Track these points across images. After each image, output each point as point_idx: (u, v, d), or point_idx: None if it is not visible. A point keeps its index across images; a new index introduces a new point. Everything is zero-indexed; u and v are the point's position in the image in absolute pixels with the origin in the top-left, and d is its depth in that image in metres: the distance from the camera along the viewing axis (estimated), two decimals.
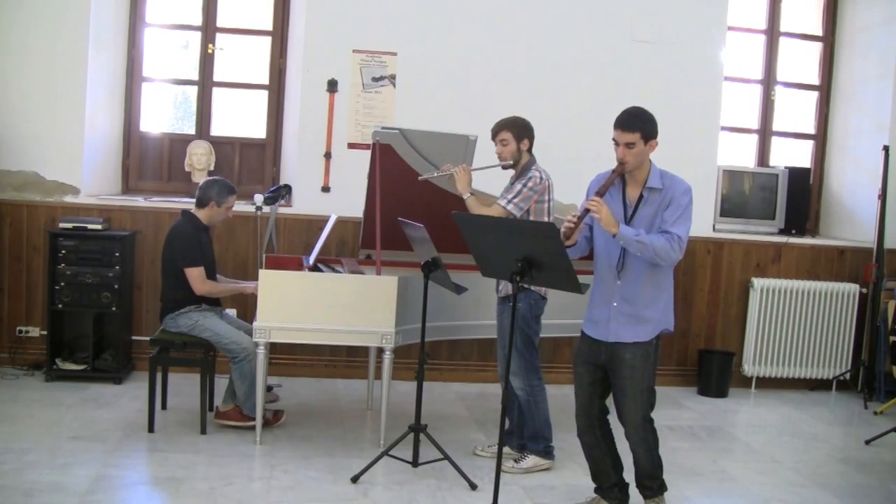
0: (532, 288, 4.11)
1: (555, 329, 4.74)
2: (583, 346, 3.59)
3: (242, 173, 6.07)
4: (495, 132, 4.26)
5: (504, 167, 4.28)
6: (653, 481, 3.61)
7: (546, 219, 4.14)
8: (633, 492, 3.70)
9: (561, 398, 5.00)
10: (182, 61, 6.16)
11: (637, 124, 3.34)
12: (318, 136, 5.70)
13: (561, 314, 4.59)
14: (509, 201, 4.11)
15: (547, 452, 4.29)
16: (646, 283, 3.41)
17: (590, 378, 3.56)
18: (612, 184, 3.40)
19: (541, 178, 4.15)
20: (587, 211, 3.30)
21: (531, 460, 4.26)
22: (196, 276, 4.49)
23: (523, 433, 4.40)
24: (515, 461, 4.26)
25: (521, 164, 4.24)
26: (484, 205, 4.20)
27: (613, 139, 3.38)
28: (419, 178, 4.35)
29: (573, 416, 4.29)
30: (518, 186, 4.14)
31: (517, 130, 4.22)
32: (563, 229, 3.29)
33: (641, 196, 3.42)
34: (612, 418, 3.63)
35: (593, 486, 3.76)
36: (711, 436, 5.12)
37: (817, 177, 6.75)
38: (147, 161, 6.00)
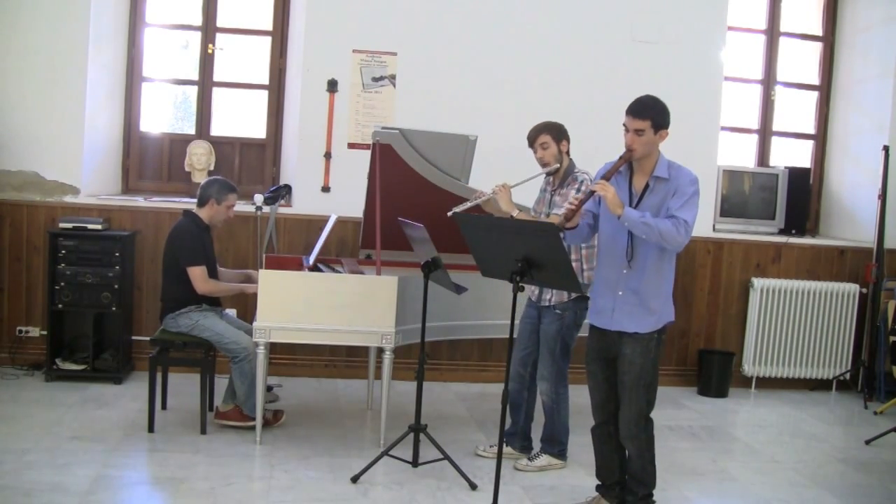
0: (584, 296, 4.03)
1: None
2: (592, 342, 3.56)
3: (242, 173, 6.07)
4: (533, 137, 4.14)
5: (549, 173, 4.17)
6: (640, 488, 3.54)
7: None
8: None
9: None
10: (182, 61, 6.15)
11: (647, 112, 3.32)
12: (318, 136, 5.70)
13: None
14: None
15: (560, 454, 4.29)
16: (652, 273, 3.38)
17: (604, 374, 3.53)
18: (618, 169, 3.38)
19: (591, 180, 4.01)
20: (591, 193, 3.29)
21: (545, 459, 4.26)
22: (198, 275, 4.49)
23: (528, 434, 4.41)
24: (530, 459, 4.27)
25: (563, 168, 4.14)
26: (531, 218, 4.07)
27: (624, 125, 3.37)
28: (449, 214, 3.94)
29: (573, 416, 4.31)
30: (572, 193, 4.01)
31: (556, 132, 4.13)
32: (564, 211, 3.29)
33: (647, 185, 3.39)
34: None
35: (594, 485, 3.76)
36: (711, 436, 5.12)
37: (817, 177, 6.76)
38: (147, 161, 6.00)
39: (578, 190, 4.02)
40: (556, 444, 4.27)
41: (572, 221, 3.34)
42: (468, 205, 4.10)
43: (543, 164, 4.14)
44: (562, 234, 3.31)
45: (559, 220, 3.32)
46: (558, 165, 4.12)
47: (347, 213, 5.28)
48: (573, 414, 4.30)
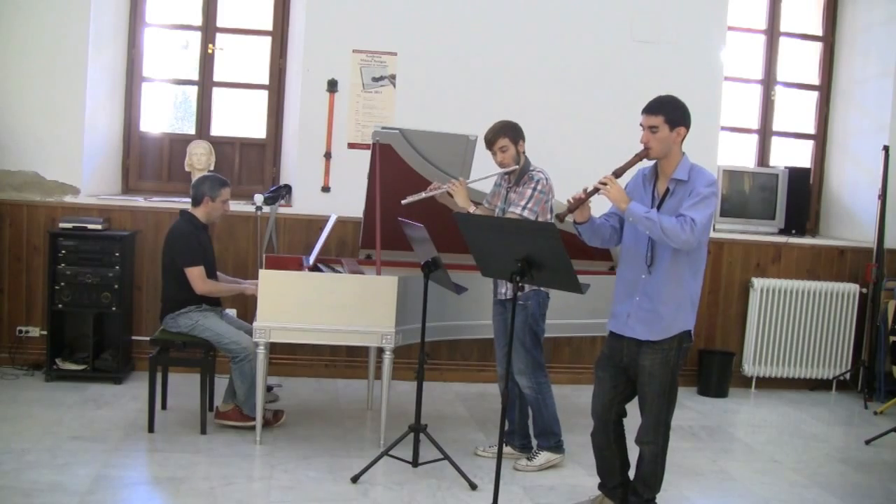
0: (542, 287, 4.07)
1: (555, 329, 4.73)
2: (605, 349, 3.54)
3: (242, 173, 6.07)
4: (492, 141, 4.17)
5: (508, 173, 4.23)
6: (646, 491, 3.51)
7: (549, 217, 4.13)
8: None
9: (560, 398, 4.99)
10: (182, 61, 6.15)
11: (661, 108, 3.31)
12: (318, 136, 5.70)
13: (561, 315, 4.59)
14: (524, 208, 4.06)
15: (557, 446, 4.29)
16: (670, 279, 3.33)
17: (611, 382, 3.50)
18: (631, 166, 3.36)
19: (546, 179, 4.12)
20: (596, 189, 3.26)
21: (543, 457, 4.26)
22: (196, 276, 4.49)
23: (527, 432, 4.41)
24: (528, 459, 4.27)
25: (519, 167, 4.19)
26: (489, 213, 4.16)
27: (640, 124, 3.36)
28: (402, 202, 4.19)
29: (573, 417, 4.31)
30: (528, 191, 4.08)
31: (513, 134, 4.16)
32: (570, 200, 3.27)
33: (668, 189, 3.36)
34: (626, 420, 3.60)
35: (594, 484, 3.76)
36: (711, 436, 5.12)
37: (817, 177, 6.76)
38: (147, 161, 6.00)
39: (535, 189, 4.07)
40: (550, 437, 4.27)
41: (581, 215, 3.33)
42: (422, 195, 4.21)
43: (503, 167, 4.20)
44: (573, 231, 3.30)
45: (562, 212, 3.31)
46: (516, 167, 4.18)
47: (347, 213, 5.28)
48: (576, 414, 4.31)
